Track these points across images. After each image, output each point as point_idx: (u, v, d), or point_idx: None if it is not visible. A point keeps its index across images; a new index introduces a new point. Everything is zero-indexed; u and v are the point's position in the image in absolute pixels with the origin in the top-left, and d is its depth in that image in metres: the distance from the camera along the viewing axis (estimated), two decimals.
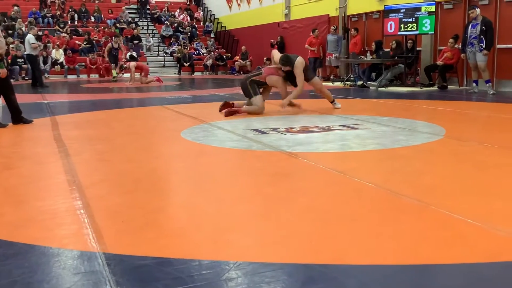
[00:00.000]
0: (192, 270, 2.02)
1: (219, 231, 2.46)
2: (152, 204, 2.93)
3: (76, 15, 23.03)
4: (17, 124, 6.38)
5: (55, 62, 18.94)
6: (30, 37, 13.57)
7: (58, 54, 19.07)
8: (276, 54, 7.66)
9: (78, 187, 3.29)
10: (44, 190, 3.32)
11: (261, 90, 7.33)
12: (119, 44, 17.00)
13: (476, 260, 2.09)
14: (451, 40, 11.10)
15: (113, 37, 18.36)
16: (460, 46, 10.57)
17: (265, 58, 18.47)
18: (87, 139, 5.37)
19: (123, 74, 18.12)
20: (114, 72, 16.79)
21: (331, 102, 7.84)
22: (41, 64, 18.16)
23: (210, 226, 2.54)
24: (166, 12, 25.11)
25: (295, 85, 7.35)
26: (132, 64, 15.06)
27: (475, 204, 2.81)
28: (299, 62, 7.23)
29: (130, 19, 23.66)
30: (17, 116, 6.44)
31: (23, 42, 18.66)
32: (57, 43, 19.58)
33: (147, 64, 17.62)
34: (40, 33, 20.48)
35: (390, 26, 12.11)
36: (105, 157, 4.36)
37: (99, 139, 5.30)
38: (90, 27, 22.30)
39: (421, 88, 11.25)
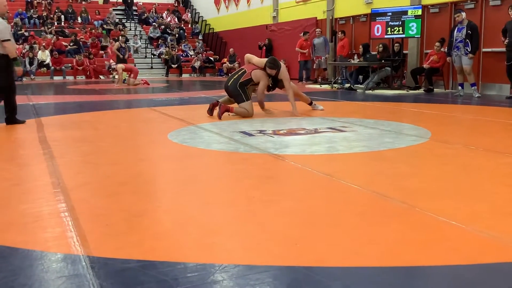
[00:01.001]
0: (177, 273, 2.01)
1: (204, 234, 2.45)
2: (137, 207, 2.91)
3: (62, 16, 22.86)
4: (10, 125, 6.43)
5: (41, 64, 18.78)
6: None
7: (44, 55, 18.91)
8: (252, 56, 7.62)
9: (63, 190, 3.26)
10: (28, 193, 3.29)
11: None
12: (125, 43, 16.72)
13: (459, 262, 2.10)
14: (437, 44, 11.20)
15: (119, 37, 18.11)
16: (446, 50, 10.67)
17: None
18: (72, 141, 5.33)
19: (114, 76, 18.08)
20: (125, 74, 15.87)
21: (310, 104, 7.86)
22: (27, 65, 18.05)
23: (195, 229, 2.53)
24: (154, 13, 25.02)
25: (273, 88, 7.55)
26: (120, 66, 15.00)
27: (459, 206, 2.84)
28: (284, 67, 7.39)
29: (117, 20, 23.54)
30: (12, 117, 6.50)
31: None
32: (43, 44, 19.42)
33: (135, 65, 17.53)
34: (26, 34, 20.33)
35: (377, 29, 12.18)
36: (90, 159, 4.33)
37: (84, 141, 5.26)
38: (77, 28, 22.16)
39: (407, 91, 11.33)
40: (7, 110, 6.49)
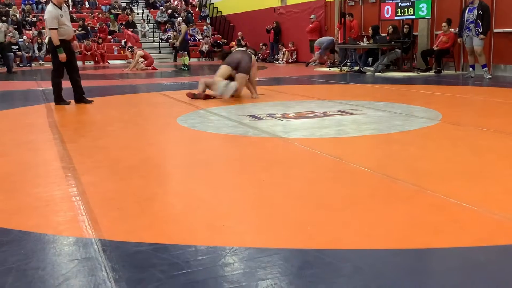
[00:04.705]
0: (188, 255, 2.02)
1: (214, 217, 2.46)
2: (147, 191, 2.92)
3: (70, 1, 22.78)
4: (79, 104, 7.08)
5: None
6: None
7: None
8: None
9: (73, 174, 3.28)
10: (39, 177, 3.31)
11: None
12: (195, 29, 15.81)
13: (471, 244, 2.09)
14: (444, 24, 11.05)
15: (189, 23, 17.62)
16: (455, 30, 10.53)
17: (261, 44, 18.39)
18: (82, 126, 5.35)
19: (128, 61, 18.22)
20: (185, 60, 15.01)
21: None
22: (35, 51, 18.07)
23: (205, 212, 2.54)
24: None
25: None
26: (139, 53, 14.99)
27: (471, 188, 2.82)
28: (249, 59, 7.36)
29: (124, 4, 23.43)
30: (79, 96, 7.15)
31: (17, 29, 18.54)
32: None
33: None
34: (34, 19, 20.32)
35: (387, 11, 12.03)
36: (100, 144, 4.34)
37: (94, 126, 5.28)
38: (85, 13, 22.10)
39: (417, 73, 11.22)
40: (74, 90, 7.14)
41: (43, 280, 1.85)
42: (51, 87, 7.15)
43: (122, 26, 20.48)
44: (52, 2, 6.84)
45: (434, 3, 11.58)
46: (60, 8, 6.86)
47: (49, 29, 6.81)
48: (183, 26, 15.05)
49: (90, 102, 7.19)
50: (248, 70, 7.29)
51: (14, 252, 2.09)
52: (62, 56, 6.83)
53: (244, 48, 8.04)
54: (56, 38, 6.74)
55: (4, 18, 19.08)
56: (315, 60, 15.14)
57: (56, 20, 6.73)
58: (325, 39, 14.96)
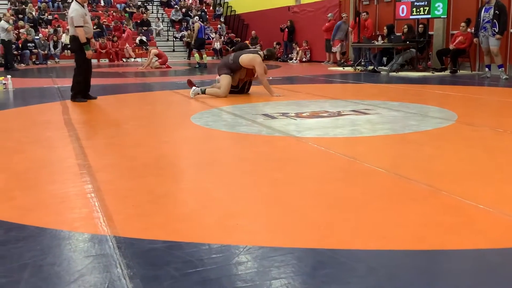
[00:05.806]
0: (202, 254, 2.03)
1: (228, 215, 2.47)
2: (161, 189, 2.94)
3: None
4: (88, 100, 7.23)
5: (65, 47, 18.93)
6: (2, 23, 14.29)
7: (68, 39, 19.03)
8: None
9: (89, 171, 3.31)
10: (55, 174, 3.34)
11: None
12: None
13: (486, 246, 2.08)
14: (463, 24, 10.94)
15: (203, 21, 17.54)
16: (472, 30, 10.42)
17: (274, 43, 18.37)
18: (97, 124, 5.39)
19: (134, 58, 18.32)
20: (203, 57, 14.67)
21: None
22: (51, 49, 18.24)
23: (219, 210, 2.55)
24: None
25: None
26: (153, 51, 15.04)
27: (485, 190, 2.79)
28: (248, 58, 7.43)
29: (139, 3, 23.55)
30: (85, 93, 7.26)
31: (33, 27, 18.73)
32: (67, 27, 19.52)
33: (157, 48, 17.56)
34: (50, 17, 20.52)
35: (402, 10, 11.95)
36: (115, 142, 4.38)
37: (109, 124, 5.32)
38: (100, 11, 22.25)
39: (432, 72, 11.12)
40: (82, 87, 7.23)
41: (58, 276, 1.87)
42: (71, 84, 7.22)
43: (125, 25, 20.66)
44: (76, 1, 6.95)
45: (450, 3, 11.46)
46: (83, 7, 6.97)
47: (76, 26, 6.88)
48: (196, 25, 15.08)
49: (95, 98, 7.30)
50: (229, 70, 7.39)
51: (30, 248, 2.11)
52: (89, 53, 7.03)
53: (255, 48, 8.11)
54: (83, 36, 6.87)
55: (20, 16, 19.30)
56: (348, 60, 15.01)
57: (82, 18, 6.87)
58: (335, 30, 14.92)
